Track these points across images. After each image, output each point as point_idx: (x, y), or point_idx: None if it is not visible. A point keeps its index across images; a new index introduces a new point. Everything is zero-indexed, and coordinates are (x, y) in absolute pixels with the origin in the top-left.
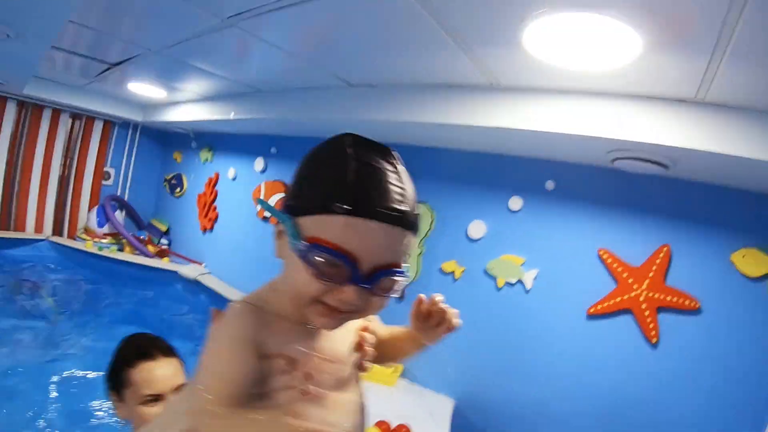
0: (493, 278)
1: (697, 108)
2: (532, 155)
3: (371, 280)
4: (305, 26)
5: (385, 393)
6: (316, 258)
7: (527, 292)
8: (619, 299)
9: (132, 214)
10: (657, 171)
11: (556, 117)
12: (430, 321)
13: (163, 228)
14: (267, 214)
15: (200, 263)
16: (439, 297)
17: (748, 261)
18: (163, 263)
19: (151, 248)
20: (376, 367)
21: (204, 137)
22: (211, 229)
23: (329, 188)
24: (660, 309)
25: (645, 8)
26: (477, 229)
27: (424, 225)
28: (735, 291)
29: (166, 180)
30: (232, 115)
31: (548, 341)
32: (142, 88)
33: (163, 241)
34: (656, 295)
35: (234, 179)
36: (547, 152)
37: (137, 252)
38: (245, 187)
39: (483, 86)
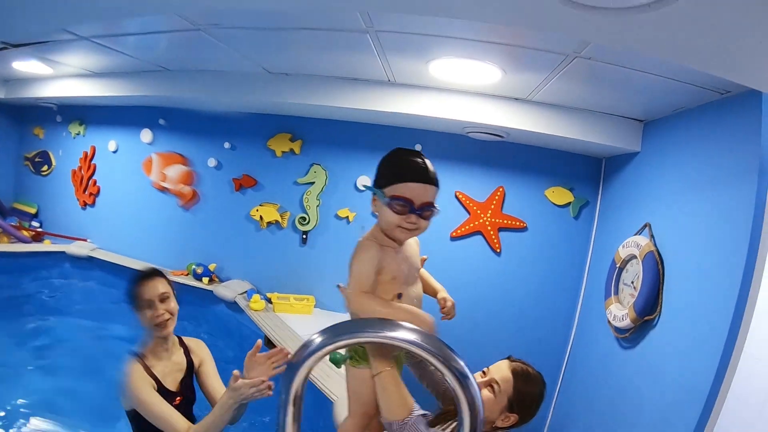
0: None
1: (527, 103)
2: (405, 125)
3: (420, 210)
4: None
5: (305, 320)
6: (394, 203)
7: None
8: (471, 225)
9: None
10: (496, 139)
11: (432, 106)
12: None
13: (32, 210)
14: (164, 183)
15: (84, 239)
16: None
17: (556, 195)
18: (47, 246)
19: (26, 233)
20: (293, 300)
21: (72, 110)
22: (93, 204)
23: (395, 170)
24: (500, 229)
25: (509, 59)
26: (363, 182)
27: (320, 181)
28: (549, 215)
29: (27, 158)
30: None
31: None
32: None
33: (34, 223)
34: (497, 220)
35: (116, 152)
36: (417, 124)
37: (13, 240)
38: (131, 160)
39: (383, 82)
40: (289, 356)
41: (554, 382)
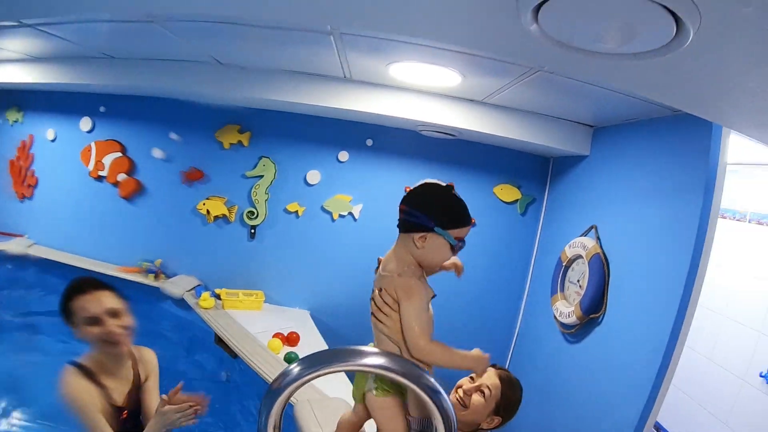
0: (329, 213)
1: (481, 105)
2: (356, 120)
3: (460, 247)
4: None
5: (255, 316)
6: (459, 245)
7: (356, 221)
8: None
9: None
10: (448, 137)
11: (388, 104)
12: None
13: None
14: (102, 173)
15: (21, 235)
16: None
17: (504, 192)
18: None
19: None
20: (243, 296)
21: (9, 96)
22: (31, 196)
23: (460, 214)
24: None
25: (470, 66)
26: (313, 176)
27: (269, 175)
28: (497, 212)
29: None
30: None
31: (374, 256)
32: None
33: None
34: None
35: (54, 141)
36: (370, 120)
37: None
38: (70, 149)
39: (339, 78)
40: (200, 410)
41: (503, 358)
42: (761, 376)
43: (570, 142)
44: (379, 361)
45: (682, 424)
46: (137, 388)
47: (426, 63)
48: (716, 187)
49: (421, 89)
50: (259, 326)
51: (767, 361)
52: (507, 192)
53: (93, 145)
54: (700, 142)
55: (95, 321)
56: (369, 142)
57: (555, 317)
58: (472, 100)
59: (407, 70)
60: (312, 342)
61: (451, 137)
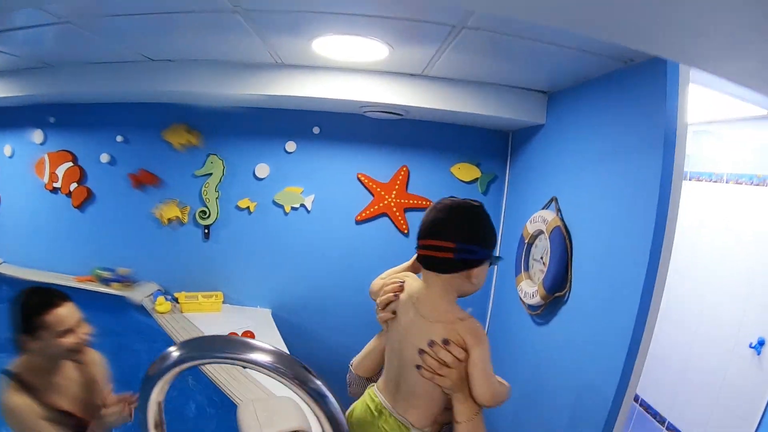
0: (281, 206)
1: (423, 79)
2: (302, 108)
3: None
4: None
5: (214, 318)
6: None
7: (309, 212)
8: (376, 207)
9: None
10: (395, 117)
11: (325, 86)
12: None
13: None
14: (57, 184)
15: None
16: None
17: (462, 171)
18: None
19: None
20: (202, 299)
21: None
22: None
23: (496, 234)
24: (406, 209)
25: (393, 33)
26: (262, 170)
27: (217, 172)
28: (456, 192)
29: None
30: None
31: (330, 247)
32: None
33: None
34: (402, 201)
35: (11, 157)
36: (314, 106)
37: None
38: (26, 163)
39: (270, 64)
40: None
41: None
42: (751, 347)
43: (523, 111)
44: (267, 358)
45: (670, 404)
46: (89, 392)
47: (348, 35)
48: (677, 142)
49: (356, 67)
50: (217, 327)
51: (756, 331)
52: (465, 171)
53: (46, 157)
54: (655, 94)
55: (68, 332)
56: (316, 130)
57: (521, 299)
58: (411, 75)
59: (331, 44)
60: (270, 340)
61: (398, 117)
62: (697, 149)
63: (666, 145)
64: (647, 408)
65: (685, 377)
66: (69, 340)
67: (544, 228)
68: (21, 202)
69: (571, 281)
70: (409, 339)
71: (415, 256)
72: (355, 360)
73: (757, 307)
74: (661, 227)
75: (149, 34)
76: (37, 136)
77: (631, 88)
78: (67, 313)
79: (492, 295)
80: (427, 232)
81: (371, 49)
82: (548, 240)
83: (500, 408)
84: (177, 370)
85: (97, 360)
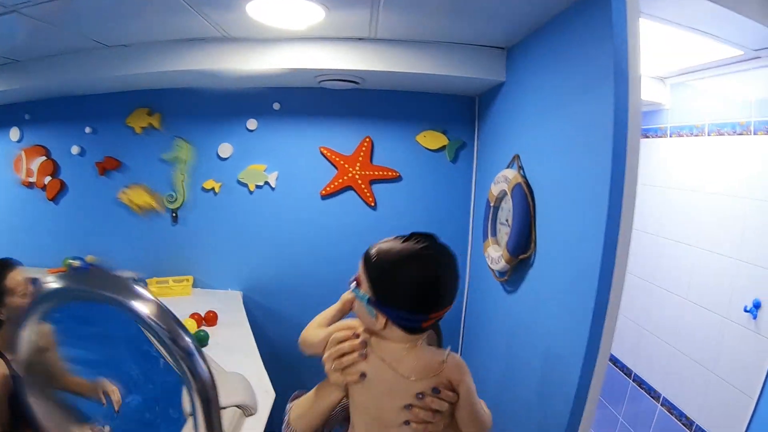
0: (245, 185)
1: (372, 43)
2: (261, 85)
3: None
4: None
5: (185, 301)
6: None
7: (273, 190)
8: (341, 180)
9: None
10: (352, 86)
11: (276, 58)
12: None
13: None
14: (32, 179)
15: None
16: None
17: (428, 139)
18: None
19: None
20: (173, 283)
21: None
22: None
23: None
24: (372, 182)
25: None
26: (225, 149)
27: (184, 155)
28: (423, 161)
29: None
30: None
31: (297, 224)
32: None
33: None
34: (367, 173)
35: None
36: (271, 82)
37: None
38: (5, 161)
39: (218, 38)
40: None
41: (457, 333)
42: (746, 311)
43: (482, 69)
44: (145, 309)
45: (664, 379)
46: (39, 359)
47: None
48: (630, 76)
49: (301, 36)
50: (183, 310)
51: (750, 293)
52: (431, 139)
53: (22, 153)
54: (600, 26)
55: (20, 293)
56: (276, 106)
57: (489, 266)
58: (360, 39)
59: (265, 8)
60: (235, 321)
61: (355, 85)
62: (677, 103)
63: (617, 76)
64: (641, 383)
65: (678, 350)
66: (17, 301)
67: (506, 188)
68: (1, 199)
69: (535, 241)
70: (390, 401)
71: (355, 303)
72: (293, 415)
73: (749, 267)
74: (618, 173)
75: (97, 20)
76: (13, 133)
77: (579, 26)
78: (20, 273)
79: (468, 265)
80: (443, 300)
81: (306, 11)
82: (510, 199)
83: (483, 392)
84: (48, 304)
85: (44, 330)
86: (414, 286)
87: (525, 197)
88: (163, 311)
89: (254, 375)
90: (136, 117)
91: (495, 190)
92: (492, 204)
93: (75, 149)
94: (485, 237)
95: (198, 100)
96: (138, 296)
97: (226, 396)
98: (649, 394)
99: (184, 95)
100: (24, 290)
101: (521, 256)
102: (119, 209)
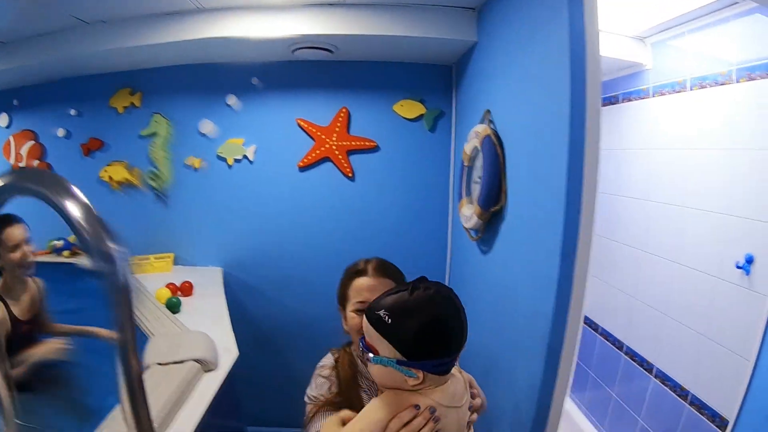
0: (224, 159)
1: (344, 7)
2: (239, 61)
3: None
4: None
5: (165, 276)
6: None
7: (252, 163)
8: (318, 152)
9: None
10: (327, 56)
11: (250, 26)
12: None
13: None
14: (21, 164)
15: None
16: None
17: (405, 108)
18: None
19: None
20: (154, 260)
21: None
22: None
23: None
24: (349, 152)
25: None
26: (206, 126)
27: (162, 131)
28: (400, 130)
29: None
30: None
31: (275, 198)
32: None
33: None
34: (344, 143)
35: None
36: (247, 57)
37: None
38: None
39: (193, 10)
40: None
41: None
42: (738, 267)
43: (453, 29)
44: (79, 211)
45: (656, 349)
46: (37, 308)
47: None
48: (587, 29)
49: (274, 4)
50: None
51: (742, 248)
52: (409, 108)
53: (11, 138)
54: None
55: (17, 248)
56: (254, 81)
57: (464, 227)
58: (332, 4)
59: None
60: (211, 293)
61: (329, 54)
62: (658, 63)
63: (571, 23)
64: (633, 356)
65: (670, 317)
66: (17, 255)
67: (478, 143)
68: None
69: (506, 192)
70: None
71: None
72: None
73: (740, 221)
74: (578, 119)
75: None
76: (2, 119)
77: None
78: (17, 229)
79: (450, 232)
80: (467, 331)
81: None
82: (480, 152)
83: (470, 368)
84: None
85: (40, 284)
86: (446, 333)
87: (494, 147)
88: (93, 215)
89: (221, 337)
90: (119, 97)
91: (468, 148)
92: (466, 164)
93: (61, 132)
94: (460, 198)
95: (178, 78)
96: (72, 197)
97: (185, 351)
98: (642, 366)
99: (165, 74)
100: (21, 245)
101: (492, 208)
102: (102, 188)
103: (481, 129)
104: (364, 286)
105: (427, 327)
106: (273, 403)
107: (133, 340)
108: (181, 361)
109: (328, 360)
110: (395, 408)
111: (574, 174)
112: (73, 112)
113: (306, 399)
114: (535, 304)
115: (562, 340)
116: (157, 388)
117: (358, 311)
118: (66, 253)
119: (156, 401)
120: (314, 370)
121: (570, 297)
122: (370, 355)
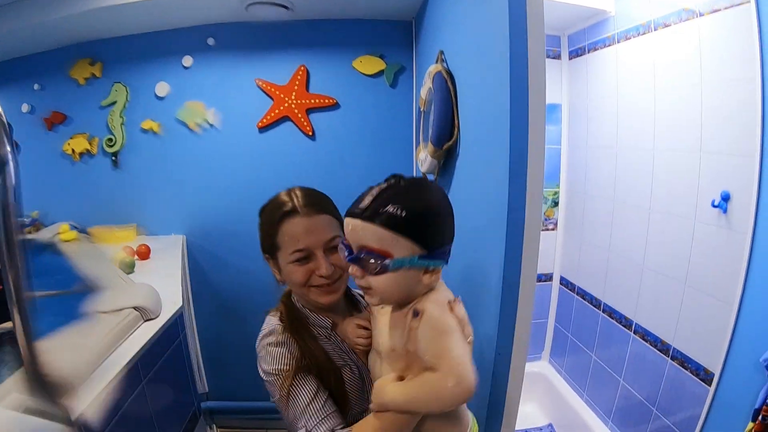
0: (184, 123)
1: None
2: (195, 24)
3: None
4: None
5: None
6: None
7: (211, 126)
8: (277, 111)
9: None
10: (284, 14)
11: None
12: None
13: None
14: None
15: None
16: None
17: (365, 65)
18: None
19: None
20: (115, 228)
21: None
22: None
23: None
24: (309, 110)
25: None
26: (162, 88)
27: (121, 99)
28: (360, 87)
29: None
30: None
31: (236, 160)
32: None
33: None
34: (303, 101)
35: None
36: (203, 20)
37: None
38: None
39: None
40: None
41: None
42: (714, 206)
43: None
44: None
45: (635, 304)
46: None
47: None
48: None
49: None
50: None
51: (717, 185)
52: (368, 63)
53: None
54: None
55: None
56: (210, 41)
57: (420, 172)
58: None
59: None
60: (169, 257)
61: (286, 11)
62: (621, 8)
63: None
64: (611, 313)
65: (647, 268)
66: None
67: (431, 84)
68: None
69: (459, 127)
70: None
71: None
72: None
73: (713, 157)
74: (519, 56)
75: None
76: None
77: None
78: None
79: None
80: None
81: None
82: (432, 89)
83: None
84: None
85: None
86: (451, 212)
87: (444, 82)
88: None
89: (168, 291)
90: (79, 68)
91: (423, 92)
92: (422, 109)
93: (25, 107)
94: (417, 145)
95: (136, 46)
96: None
97: (126, 299)
98: (620, 323)
99: (123, 41)
100: None
101: (446, 145)
102: (64, 162)
103: (433, 68)
104: (300, 230)
105: (438, 208)
106: (236, 376)
107: None
108: (120, 309)
109: (271, 325)
110: (436, 307)
111: (518, 100)
112: (36, 86)
113: (264, 376)
114: (487, 248)
115: (516, 288)
116: (91, 333)
117: (298, 261)
118: (27, 229)
119: (88, 345)
120: (258, 343)
121: (522, 237)
122: (387, 261)
